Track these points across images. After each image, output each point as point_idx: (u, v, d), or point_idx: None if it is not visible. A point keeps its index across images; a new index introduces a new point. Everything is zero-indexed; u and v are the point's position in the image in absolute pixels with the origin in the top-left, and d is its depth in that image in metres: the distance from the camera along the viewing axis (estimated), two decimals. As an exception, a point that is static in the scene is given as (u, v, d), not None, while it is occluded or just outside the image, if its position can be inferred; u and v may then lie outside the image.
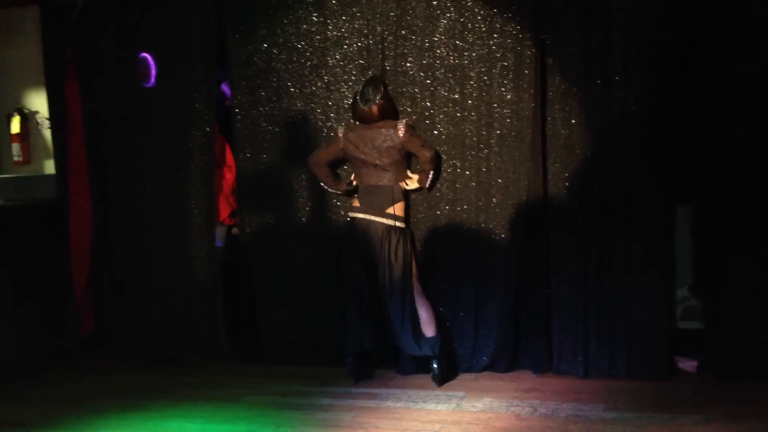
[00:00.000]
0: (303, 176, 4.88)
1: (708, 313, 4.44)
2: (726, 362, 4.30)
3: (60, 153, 5.37)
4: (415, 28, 4.62)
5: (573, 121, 4.41)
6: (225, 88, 5.32)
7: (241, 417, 3.99)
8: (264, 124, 4.93)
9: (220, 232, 5.21)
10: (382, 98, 4.45)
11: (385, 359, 4.73)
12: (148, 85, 5.10)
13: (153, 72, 5.08)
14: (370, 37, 4.71)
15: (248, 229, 5.00)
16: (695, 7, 4.23)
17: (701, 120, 4.31)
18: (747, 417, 3.69)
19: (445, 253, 4.62)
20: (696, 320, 4.73)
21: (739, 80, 4.19)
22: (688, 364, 4.51)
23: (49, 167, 5.69)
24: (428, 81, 4.62)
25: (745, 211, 4.23)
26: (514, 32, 4.47)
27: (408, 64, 4.65)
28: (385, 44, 4.68)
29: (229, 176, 5.20)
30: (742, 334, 4.27)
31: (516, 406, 4.02)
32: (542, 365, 4.55)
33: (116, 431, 3.90)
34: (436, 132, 4.62)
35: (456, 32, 4.56)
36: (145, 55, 5.09)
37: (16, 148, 5.80)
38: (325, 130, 4.82)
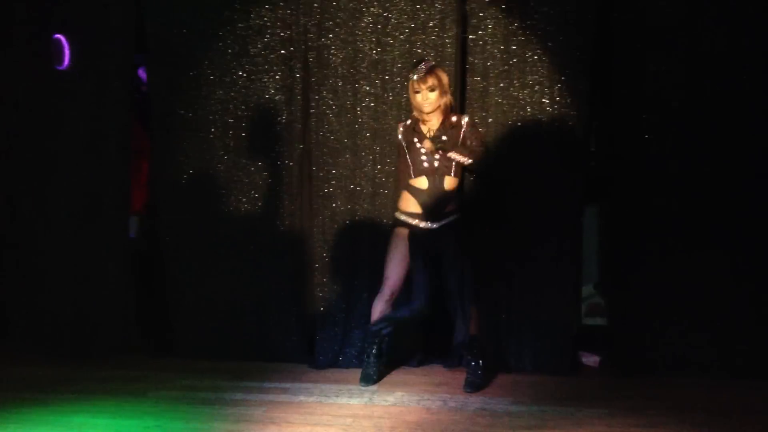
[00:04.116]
0: (222, 167, 4.81)
1: (611, 309, 4.60)
2: (627, 357, 4.45)
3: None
4: (338, 21, 4.62)
5: (490, 120, 4.49)
6: (142, 73, 5.20)
7: (148, 412, 3.91)
8: (182, 112, 4.84)
9: (133, 223, 5.11)
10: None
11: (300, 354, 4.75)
12: (61, 68, 4.93)
13: (67, 54, 4.92)
14: (294, 27, 4.67)
15: (163, 221, 4.91)
16: (612, 12, 4.35)
17: (613, 122, 4.44)
18: (647, 411, 3.82)
19: (365, 246, 4.64)
20: (600, 317, 4.89)
21: (650, 86, 4.34)
22: (591, 360, 4.65)
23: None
24: (351, 74, 4.62)
25: (650, 212, 4.38)
26: (437, 30, 4.51)
27: (331, 57, 4.64)
28: (309, 35, 4.65)
29: (144, 165, 5.09)
30: (643, 330, 4.42)
31: (426, 399, 4.07)
32: (453, 360, 4.61)
33: (14, 426, 3.73)
34: (357, 126, 4.63)
35: (379, 27, 4.57)
36: (59, 36, 4.92)
37: None
38: (244, 121, 4.77)
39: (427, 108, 4.24)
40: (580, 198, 4.48)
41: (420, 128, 4.31)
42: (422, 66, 4.22)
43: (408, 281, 4.30)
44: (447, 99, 4.26)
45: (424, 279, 4.21)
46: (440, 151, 4.20)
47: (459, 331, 4.25)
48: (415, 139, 4.29)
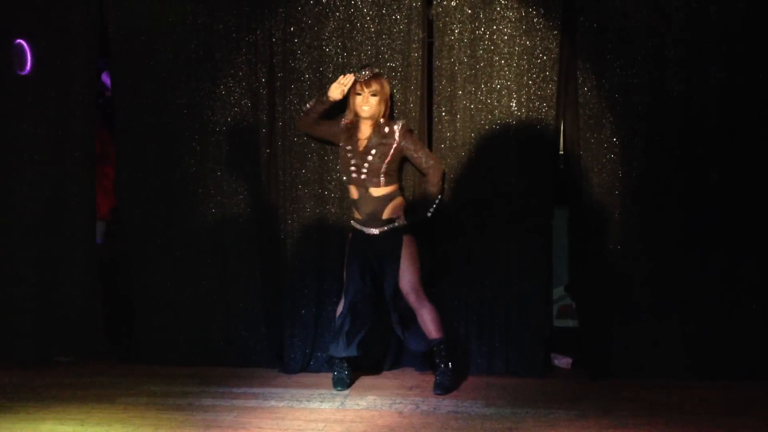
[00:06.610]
0: (188, 172, 4.77)
1: (582, 311, 4.63)
2: (598, 359, 4.48)
3: None
4: (303, 25, 4.60)
5: (458, 124, 4.51)
6: (106, 78, 5.14)
7: (117, 419, 3.85)
8: (146, 117, 4.79)
9: (99, 229, 5.04)
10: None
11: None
12: (23, 73, 4.85)
13: (29, 59, 4.85)
14: (258, 31, 4.65)
15: (129, 226, 4.85)
16: (578, 17, 4.41)
17: (578, 125, 4.49)
18: (618, 412, 3.85)
19: (334, 249, 4.62)
20: (571, 318, 4.92)
21: (615, 89, 4.40)
22: (563, 361, 4.69)
23: None
24: (317, 78, 4.61)
25: (617, 214, 4.43)
26: (402, 34, 4.52)
27: (297, 61, 4.62)
28: (274, 40, 4.63)
29: (110, 170, 5.03)
30: (613, 332, 4.46)
31: (399, 403, 4.06)
32: (424, 363, 4.59)
33: (-20, 435, 3.69)
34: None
35: (345, 31, 4.57)
36: (21, 41, 4.84)
37: None
38: (210, 125, 4.73)
39: (365, 112, 4.26)
40: (549, 200, 4.52)
41: (357, 134, 4.32)
42: (366, 71, 4.28)
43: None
44: (384, 108, 4.29)
45: (357, 291, 4.27)
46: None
47: (409, 340, 4.29)
48: (349, 147, 4.30)
